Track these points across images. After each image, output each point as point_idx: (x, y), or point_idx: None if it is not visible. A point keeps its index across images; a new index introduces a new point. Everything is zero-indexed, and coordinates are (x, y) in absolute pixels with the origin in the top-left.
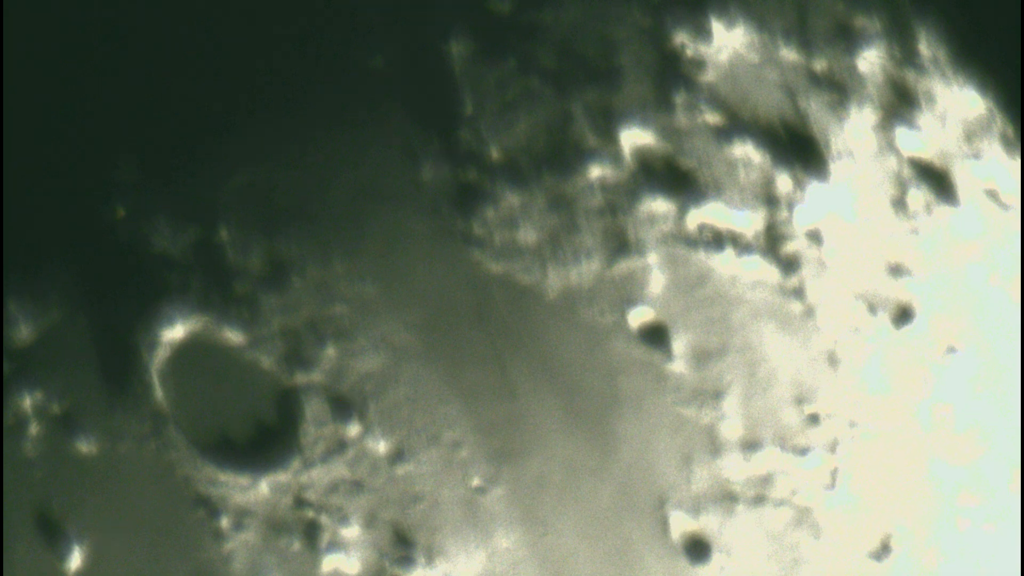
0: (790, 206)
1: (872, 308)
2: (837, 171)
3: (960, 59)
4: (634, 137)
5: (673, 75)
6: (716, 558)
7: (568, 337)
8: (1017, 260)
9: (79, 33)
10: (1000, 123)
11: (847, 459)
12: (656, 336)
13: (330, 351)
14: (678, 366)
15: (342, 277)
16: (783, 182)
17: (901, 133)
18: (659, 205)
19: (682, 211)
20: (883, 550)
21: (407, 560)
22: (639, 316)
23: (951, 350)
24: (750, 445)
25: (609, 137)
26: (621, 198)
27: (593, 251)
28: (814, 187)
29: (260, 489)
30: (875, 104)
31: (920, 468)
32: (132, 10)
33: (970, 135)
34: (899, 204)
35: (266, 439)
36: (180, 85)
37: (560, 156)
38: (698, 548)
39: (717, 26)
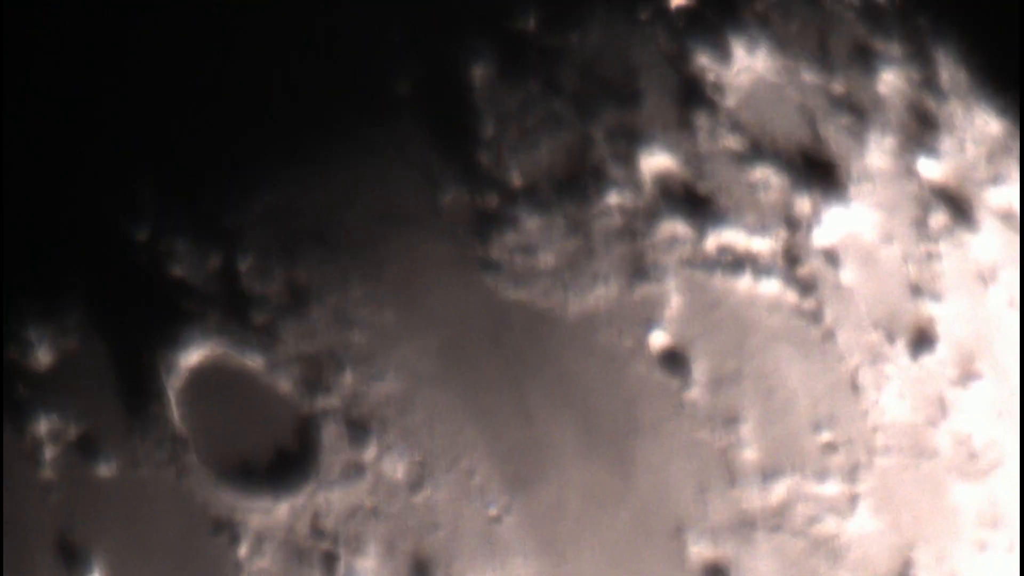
0: (809, 229)
1: (891, 332)
2: (856, 195)
3: (979, 83)
4: (654, 161)
5: (694, 99)
6: None
7: (586, 362)
8: None
9: (100, 58)
10: (1019, 147)
11: (866, 485)
12: (674, 361)
13: (348, 376)
14: (696, 391)
15: (360, 302)
16: (802, 205)
17: (920, 157)
18: (678, 229)
19: (701, 235)
20: None
21: None
22: (657, 341)
23: (970, 374)
24: (768, 471)
25: (629, 161)
26: (640, 222)
27: (611, 275)
28: (833, 210)
29: (278, 514)
30: (895, 128)
31: (939, 494)
32: (153, 34)
33: (989, 159)
34: (918, 228)
35: (284, 464)
36: (200, 110)
37: (580, 180)
38: (716, 575)
39: (738, 50)
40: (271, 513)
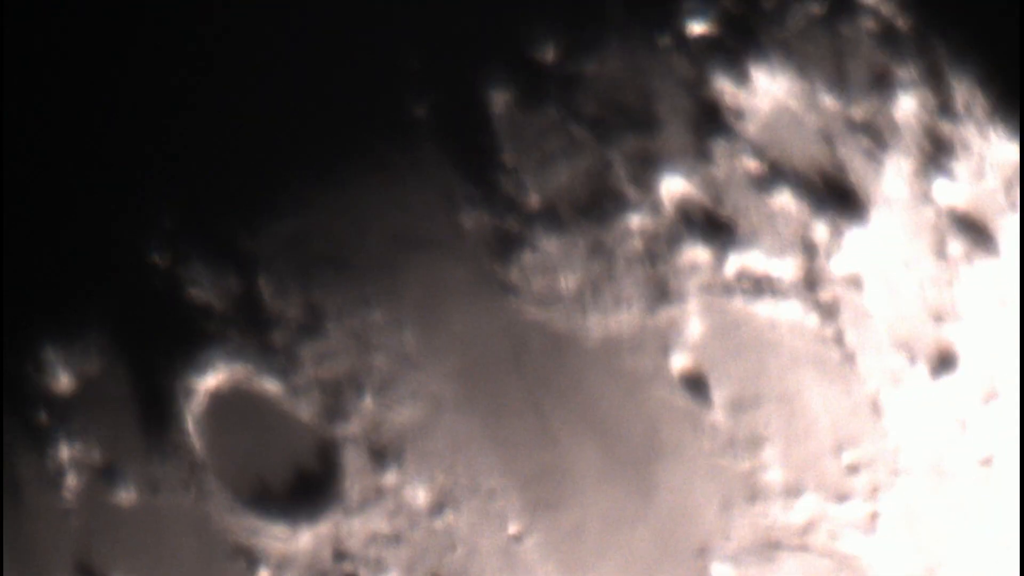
0: (828, 253)
1: (912, 355)
2: (875, 219)
3: (997, 108)
4: (673, 185)
5: (712, 124)
6: None
7: (607, 385)
8: None
9: (121, 84)
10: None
11: (888, 506)
12: (695, 384)
13: (368, 401)
14: (717, 414)
15: (380, 326)
16: (821, 230)
17: (938, 182)
18: (698, 253)
19: (721, 259)
20: None
21: None
22: (678, 364)
23: (991, 397)
24: (790, 493)
25: (648, 185)
26: (660, 246)
27: (632, 299)
28: (853, 234)
29: (299, 539)
30: (913, 152)
31: (961, 515)
32: (173, 60)
33: (1007, 184)
34: (938, 252)
35: (305, 489)
36: (219, 134)
37: (599, 204)
38: None
39: (756, 75)
40: (290, 539)
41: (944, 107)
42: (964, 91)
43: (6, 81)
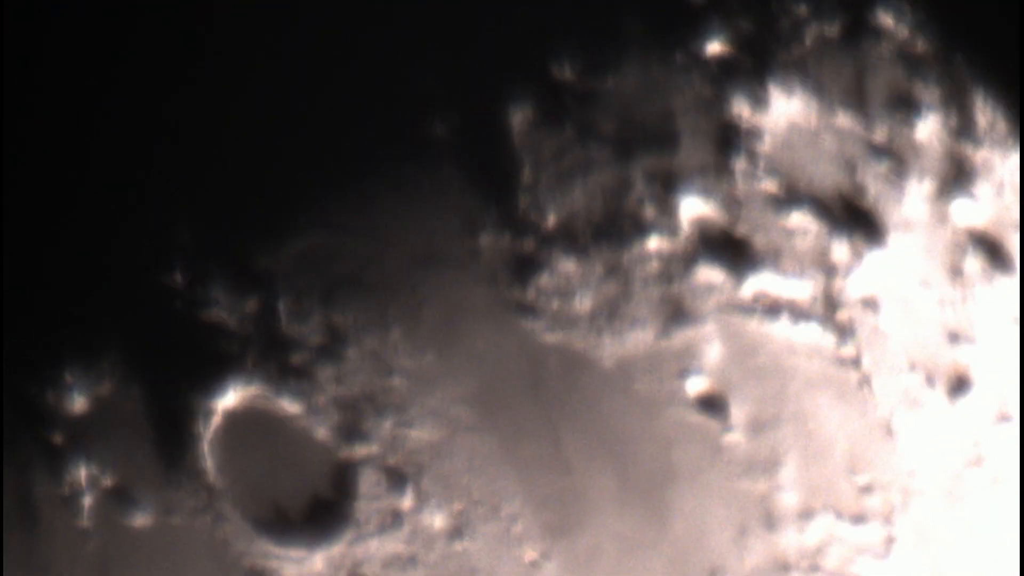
0: (846, 274)
1: (928, 377)
2: (894, 240)
3: (1016, 129)
4: (691, 205)
5: (731, 143)
6: None
7: (623, 407)
8: None
9: (136, 103)
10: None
11: (902, 528)
12: (712, 406)
13: (386, 422)
14: (734, 436)
15: (398, 346)
16: (840, 251)
17: (958, 202)
18: (715, 274)
19: (738, 280)
20: None
21: None
22: (695, 386)
23: (1006, 418)
24: (805, 515)
25: (666, 205)
26: (677, 266)
27: (649, 320)
28: (871, 255)
29: (315, 563)
30: (932, 173)
31: (975, 537)
32: (189, 80)
33: None
34: (955, 273)
35: (321, 512)
36: (237, 153)
37: (617, 224)
38: None
39: (775, 95)
40: (306, 562)
41: (966, 129)
42: (986, 113)
43: (21, 103)
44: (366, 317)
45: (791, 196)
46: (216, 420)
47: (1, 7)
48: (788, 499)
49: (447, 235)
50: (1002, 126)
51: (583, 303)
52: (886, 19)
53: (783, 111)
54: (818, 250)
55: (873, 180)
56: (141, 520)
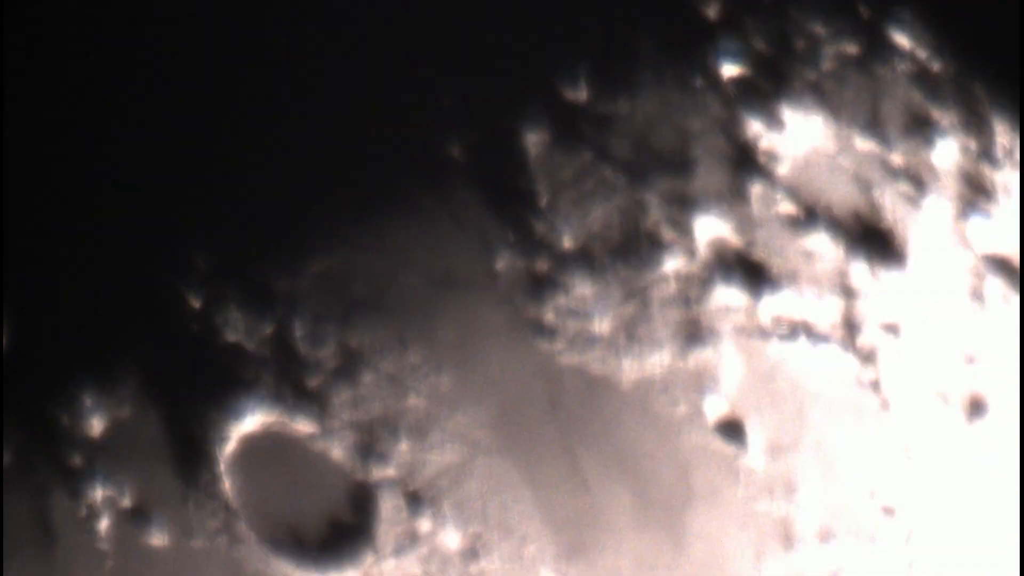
0: (865, 298)
1: (947, 400)
2: (912, 263)
3: None
4: (708, 227)
5: (748, 166)
6: None
7: (641, 429)
8: None
9: (152, 125)
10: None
11: (922, 551)
12: (730, 428)
13: (403, 444)
14: (752, 459)
15: (415, 369)
16: (858, 273)
17: (976, 225)
18: (733, 296)
19: (756, 302)
20: None
21: None
22: (713, 408)
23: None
24: (823, 537)
25: (683, 227)
26: (695, 288)
27: (666, 342)
28: (889, 278)
29: None
30: (950, 196)
31: (997, 560)
32: (205, 101)
33: None
34: (975, 296)
35: (338, 534)
36: (254, 176)
37: (634, 246)
38: None
39: (792, 117)
40: None
41: (984, 150)
42: (1004, 134)
43: (42, 129)
44: (383, 339)
45: (808, 218)
46: (234, 442)
47: (26, 50)
48: (807, 522)
49: (464, 257)
50: (1020, 148)
51: (601, 325)
52: (903, 40)
53: (800, 133)
54: (836, 272)
55: (891, 202)
56: (158, 541)
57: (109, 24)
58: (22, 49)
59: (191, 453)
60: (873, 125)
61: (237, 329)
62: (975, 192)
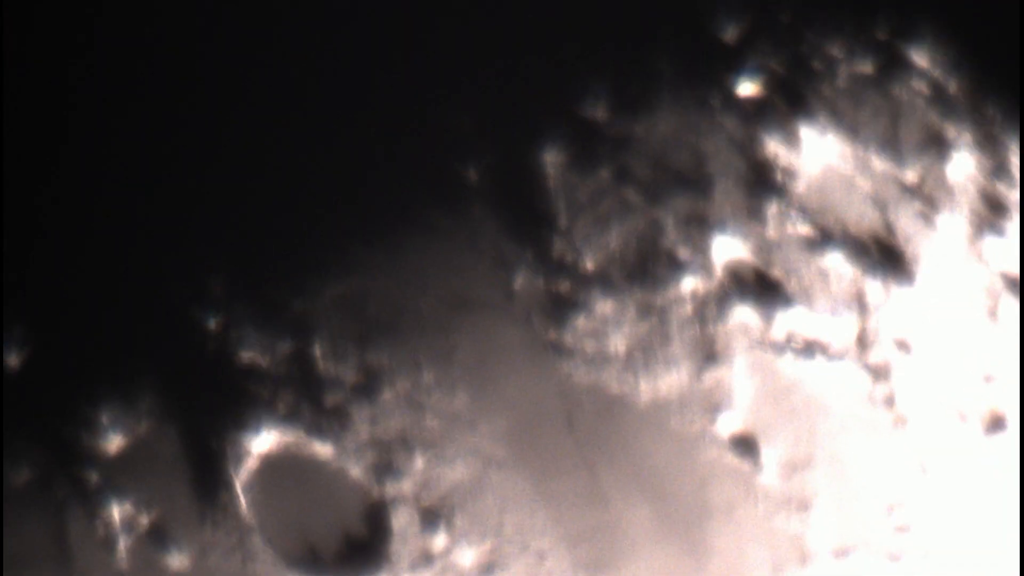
0: (880, 315)
1: (963, 417)
2: (927, 281)
3: None
4: (724, 247)
5: (764, 185)
6: None
7: (658, 446)
8: None
9: (172, 144)
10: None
11: (938, 568)
12: (746, 445)
13: (419, 462)
14: (768, 475)
15: (432, 387)
16: (873, 291)
17: (991, 243)
18: (749, 315)
19: (771, 320)
20: None
21: None
22: (729, 425)
23: None
24: (839, 554)
25: (700, 247)
26: (711, 308)
27: (683, 360)
28: (904, 296)
29: None
30: (965, 214)
31: None
32: (222, 124)
33: None
34: (990, 314)
35: (353, 551)
36: (272, 198)
37: (651, 266)
38: None
39: (808, 136)
40: None
41: (999, 169)
42: (1018, 153)
43: (55, 143)
44: (400, 359)
45: (824, 237)
46: (251, 460)
47: (37, 72)
48: (823, 538)
49: (481, 277)
50: None
51: (618, 344)
52: (919, 59)
53: (816, 152)
54: (851, 291)
55: (906, 221)
56: (177, 561)
57: (122, 49)
58: (21, 56)
59: (208, 472)
60: (889, 144)
61: (254, 349)
62: (990, 210)
